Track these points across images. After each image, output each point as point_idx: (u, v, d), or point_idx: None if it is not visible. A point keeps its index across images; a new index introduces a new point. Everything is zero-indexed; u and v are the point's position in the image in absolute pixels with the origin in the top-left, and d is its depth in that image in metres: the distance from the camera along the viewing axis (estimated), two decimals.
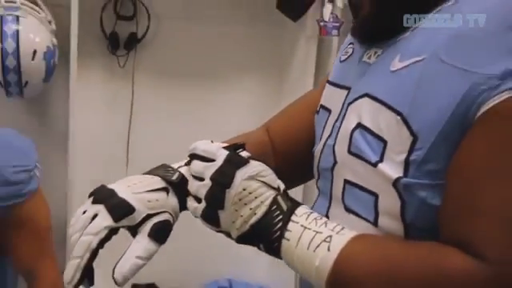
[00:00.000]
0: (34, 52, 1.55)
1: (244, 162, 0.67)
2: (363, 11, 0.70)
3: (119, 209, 0.67)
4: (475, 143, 0.56)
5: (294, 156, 0.85)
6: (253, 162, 0.67)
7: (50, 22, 1.63)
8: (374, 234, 0.65)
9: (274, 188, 0.67)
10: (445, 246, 0.57)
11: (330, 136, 0.73)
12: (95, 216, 0.66)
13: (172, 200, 0.72)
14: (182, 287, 2.01)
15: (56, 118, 1.80)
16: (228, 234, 0.68)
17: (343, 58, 0.79)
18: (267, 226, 0.65)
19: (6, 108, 1.74)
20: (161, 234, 0.69)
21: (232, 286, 2.07)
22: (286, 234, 0.63)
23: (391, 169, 0.61)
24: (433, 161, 0.58)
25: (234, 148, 0.69)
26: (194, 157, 0.71)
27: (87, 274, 0.67)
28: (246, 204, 0.65)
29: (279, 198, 0.66)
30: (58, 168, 1.70)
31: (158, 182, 0.72)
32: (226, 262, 2.03)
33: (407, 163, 0.60)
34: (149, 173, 0.75)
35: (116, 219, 0.66)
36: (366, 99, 0.66)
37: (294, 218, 0.64)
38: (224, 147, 0.69)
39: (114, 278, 0.66)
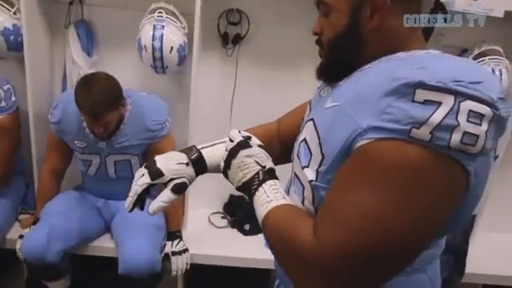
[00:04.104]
0: (171, 48, 1.78)
1: (247, 146, 0.77)
2: (321, 61, 0.77)
3: (155, 173, 0.80)
4: (343, 167, 0.61)
5: (293, 142, 0.86)
6: (254, 147, 0.77)
7: (184, 28, 1.84)
8: (292, 205, 0.72)
9: (261, 165, 0.76)
10: (310, 223, 0.63)
11: (296, 140, 0.79)
12: (143, 175, 0.81)
13: (190, 170, 0.83)
14: None
15: (185, 86, 2.00)
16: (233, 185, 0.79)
17: (318, 85, 0.85)
18: (249, 185, 0.75)
19: (156, 80, 2.00)
20: (178, 189, 0.81)
21: None
22: (256, 193, 0.74)
23: (309, 173, 0.68)
24: (330, 173, 0.64)
25: (246, 137, 0.79)
26: (229, 137, 0.81)
27: (139, 204, 0.82)
28: (241, 170, 0.76)
29: (260, 172, 0.75)
30: (184, 117, 1.91)
31: (183, 158, 0.84)
32: None
33: (317, 172, 0.67)
34: (182, 151, 0.86)
35: (152, 179, 0.80)
36: (311, 122, 0.71)
37: (263, 185, 0.74)
38: (243, 136, 0.79)
39: (147, 211, 0.81)
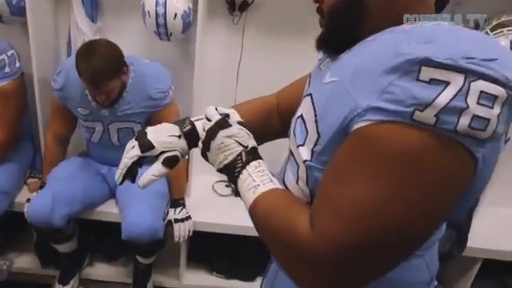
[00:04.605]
0: (175, 14, 1.70)
1: (226, 125, 0.71)
2: (322, 31, 0.71)
3: (145, 146, 0.77)
4: (339, 151, 0.56)
5: (291, 117, 0.79)
6: (234, 126, 0.72)
7: None
8: (282, 190, 0.67)
9: (243, 146, 0.71)
10: (305, 213, 0.58)
11: (294, 114, 0.72)
12: (133, 147, 0.78)
13: (182, 143, 0.79)
14: None
15: (190, 53, 1.94)
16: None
17: (319, 57, 0.78)
18: (232, 168, 0.70)
19: (161, 47, 1.94)
20: (169, 162, 0.77)
21: None
22: (240, 176, 0.69)
23: (304, 152, 0.63)
24: (325, 154, 0.59)
25: (224, 115, 0.73)
26: (206, 116, 0.75)
27: (130, 177, 0.79)
28: (222, 152, 0.70)
29: (243, 152, 0.70)
30: (189, 85, 1.85)
31: (175, 130, 0.80)
32: None
33: (312, 152, 0.62)
34: (175, 122, 0.82)
35: (142, 151, 0.77)
36: (309, 97, 0.65)
37: (247, 167, 0.69)
38: (220, 113, 0.73)
39: (137, 184, 0.78)
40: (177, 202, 1.88)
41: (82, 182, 1.80)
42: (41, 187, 1.82)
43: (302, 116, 0.66)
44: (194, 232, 1.91)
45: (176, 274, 2.10)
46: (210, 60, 2.00)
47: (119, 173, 0.79)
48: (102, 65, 1.49)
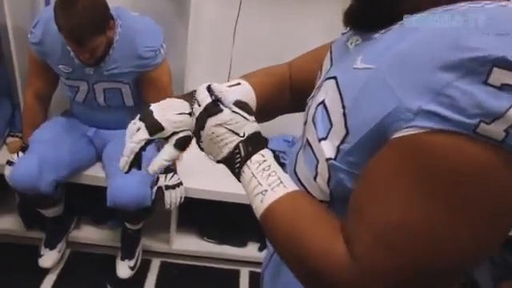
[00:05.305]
0: None
1: (216, 112, 0.61)
2: (352, 2, 0.59)
3: (153, 127, 0.67)
4: (380, 161, 0.47)
5: (305, 92, 0.71)
6: (225, 111, 0.61)
7: None
8: (296, 196, 0.57)
9: (238, 135, 0.60)
10: (336, 230, 0.51)
11: (312, 97, 0.64)
12: (139, 129, 0.68)
13: (193, 121, 0.68)
14: None
15: (184, 8, 1.77)
16: None
17: (344, 31, 0.67)
18: (230, 163, 0.61)
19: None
20: (182, 144, 0.69)
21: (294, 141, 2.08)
22: (242, 174, 0.59)
23: (328, 148, 0.54)
24: (354, 155, 0.51)
25: (215, 97, 0.62)
26: (196, 99, 0.65)
27: (136, 163, 0.69)
28: (215, 143, 0.61)
29: (241, 144, 0.60)
30: (182, 43, 1.71)
31: (185, 107, 0.70)
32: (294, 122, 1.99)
33: (338, 149, 0.53)
34: (183, 97, 0.72)
35: (150, 134, 0.67)
36: (333, 81, 0.56)
37: (248, 163, 0.59)
38: (212, 94, 0.63)
39: (147, 170, 0.69)
40: (168, 167, 1.76)
41: (68, 144, 1.67)
42: (22, 149, 1.68)
43: (324, 103, 0.56)
44: (186, 198, 1.81)
45: (166, 239, 2.03)
46: (206, 16, 1.82)
47: (125, 160, 0.68)
48: (84, 19, 1.30)
